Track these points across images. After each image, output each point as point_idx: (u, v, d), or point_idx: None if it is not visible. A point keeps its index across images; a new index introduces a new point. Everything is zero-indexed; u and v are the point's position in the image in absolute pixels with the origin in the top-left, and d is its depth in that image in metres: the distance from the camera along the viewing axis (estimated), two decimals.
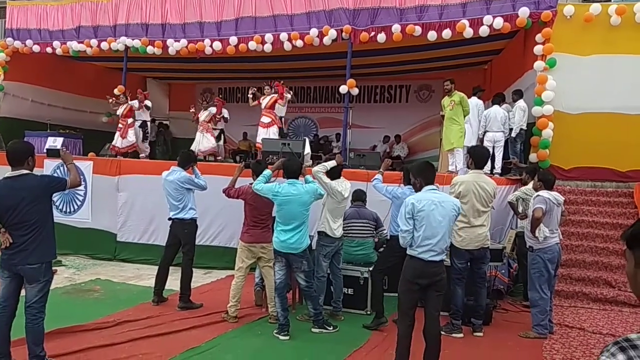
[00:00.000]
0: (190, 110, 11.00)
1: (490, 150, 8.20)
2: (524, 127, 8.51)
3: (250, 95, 10.03)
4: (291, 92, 9.88)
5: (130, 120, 10.71)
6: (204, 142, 10.44)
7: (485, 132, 8.69)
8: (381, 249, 6.41)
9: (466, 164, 6.31)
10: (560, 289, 6.67)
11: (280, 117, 9.78)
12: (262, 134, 9.41)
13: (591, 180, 8.41)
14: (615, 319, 6.11)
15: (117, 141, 10.63)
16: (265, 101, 9.63)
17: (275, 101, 9.56)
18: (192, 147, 10.47)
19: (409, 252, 4.16)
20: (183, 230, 6.07)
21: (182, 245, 6.12)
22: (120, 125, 10.66)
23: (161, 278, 6.21)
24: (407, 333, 4.17)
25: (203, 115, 10.61)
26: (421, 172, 4.27)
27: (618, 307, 6.48)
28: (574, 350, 5.10)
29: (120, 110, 10.67)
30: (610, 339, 5.33)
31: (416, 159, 13.20)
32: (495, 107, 8.72)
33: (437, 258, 4.12)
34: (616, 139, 8.21)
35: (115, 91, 10.86)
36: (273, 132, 9.41)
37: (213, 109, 10.84)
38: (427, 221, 4.05)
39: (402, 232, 4.08)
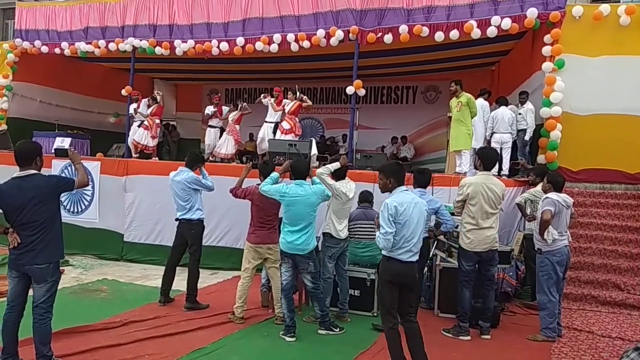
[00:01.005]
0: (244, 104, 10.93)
1: (498, 152, 8.16)
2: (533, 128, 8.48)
3: (268, 101, 10.06)
4: (306, 99, 9.90)
5: (157, 121, 10.71)
6: (226, 145, 10.35)
7: (492, 133, 8.65)
8: None
9: (474, 165, 6.27)
10: (569, 292, 6.62)
11: (276, 122, 9.91)
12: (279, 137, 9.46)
13: (600, 182, 8.33)
14: (624, 323, 6.05)
15: (142, 138, 10.48)
16: (289, 106, 9.64)
17: (299, 107, 9.58)
18: (214, 148, 10.48)
19: (387, 253, 4.16)
20: (190, 231, 6.08)
21: (188, 245, 6.13)
22: (147, 123, 10.55)
23: (168, 278, 6.22)
24: (395, 331, 4.19)
25: (232, 115, 10.56)
26: (394, 173, 4.27)
27: (627, 310, 6.43)
28: (582, 353, 5.06)
29: (149, 110, 10.63)
30: (619, 343, 5.30)
31: (423, 160, 13.17)
32: (503, 108, 8.67)
33: (414, 258, 4.19)
34: (625, 141, 8.14)
35: (123, 92, 10.89)
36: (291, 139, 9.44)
37: (210, 108, 10.88)
38: (408, 223, 4.09)
39: (386, 234, 4.04)
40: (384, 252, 4.19)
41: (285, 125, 9.56)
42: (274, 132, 9.84)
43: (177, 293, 6.33)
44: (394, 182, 4.23)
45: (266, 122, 10.16)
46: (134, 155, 10.47)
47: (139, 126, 10.66)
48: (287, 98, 9.88)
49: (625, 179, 8.29)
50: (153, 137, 10.55)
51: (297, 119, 9.71)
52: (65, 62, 12.13)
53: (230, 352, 4.77)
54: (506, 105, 8.76)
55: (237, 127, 10.54)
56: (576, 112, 8.27)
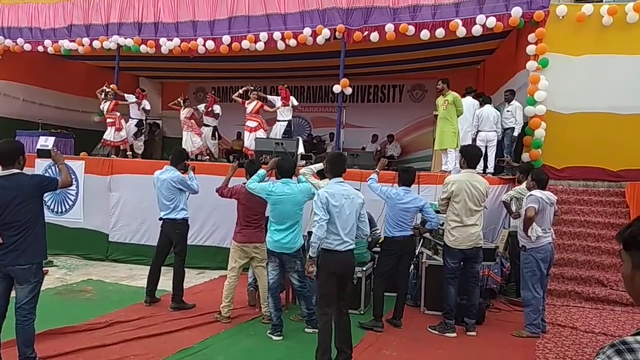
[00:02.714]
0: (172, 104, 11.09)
1: (483, 150, 8.22)
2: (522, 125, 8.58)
3: (240, 92, 10.10)
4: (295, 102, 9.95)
5: (118, 114, 10.67)
6: (190, 141, 10.38)
7: (477, 131, 8.71)
8: (374, 249, 6.42)
9: (459, 163, 6.32)
10: (553, 288, 6.70)
11: (289, 120, 9.88)
12: (249, 138, 9.47)
13: (583, 180, 8.44)
14: (607, 318, 6.14)
15: (110, 135, 10.53)
16: (251, 106, 9.66)
17: (261, 107, 9.60)
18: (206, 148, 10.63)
19: (325, 245, 4.26)
20: (174, 231, 6.03)
21: (173, 245, 6.09)
22: (110, 120, 10.57)
23: (153, 278, 6.18)
24: (329, 325, 4.28)
25: (184, 113, 10.55)
26: (331, 162, 4.45)
27: (610, 306, 6.52)
28: (566, 349, 5.12)
29: (105, 106, 10.61)
30: (602, 338, 5.37)
31: (409, 159, 13.24)
32: (488, 106, 8.74)
33: (351, 247, 4.34)
34: (608, 139, 8.26)
35: (105, 88, 10.82)
36: (261, 136, 9.48)
37: (201, 106, 10.94)
38: (340, 215, 4.22)
39: (320, 220, 4.17)
40: (323, 245, 4.27)
41: (251, 123, 9.61)
42: (286, 131, 9.84)
43: (163, 293, 6.28)
44: (328, 170, 4.42)
45: (278, 121, 10.09)
46: (113, 155, 10.42)
47: (135, 125, 10.88)
48: (249, 97, 9.88)
49: (607, 176, 8.41)
50: (118, 130, 10.53)
51: (260, 116, 9.75)
52: (49, 60, 11.99)
53: (216, 352, 4.76)
54: (490, 103, 8.83)
55: (192, 122, 10.58)
56: (560, 110, 8.37)
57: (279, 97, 9.99)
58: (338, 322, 4.32)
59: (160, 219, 6.09)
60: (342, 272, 4.30)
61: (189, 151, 10.25)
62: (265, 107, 9.72)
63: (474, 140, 8.70)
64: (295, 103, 9.91)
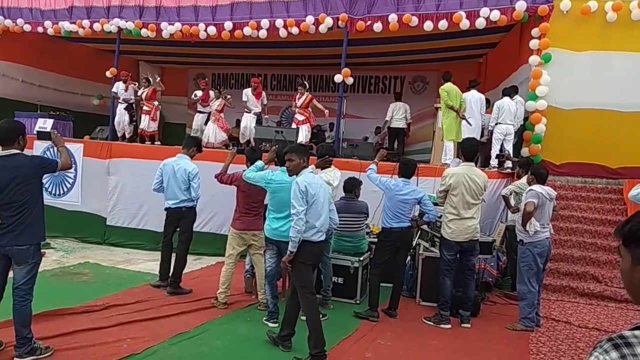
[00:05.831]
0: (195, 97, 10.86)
1: (499, 143, 8.16)
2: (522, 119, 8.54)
3: (247, 94, 9.98)
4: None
5: (156, 103, 10.59)
6: (214, 134, 10.22)
7: (497, 123, 8.30)
8: (371, 239, 6.43)
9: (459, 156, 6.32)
10: (548, 283, 6.73)
11: (259, 113, 9.95)
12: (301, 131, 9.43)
13: (582, 176, 8.45)
14: (601, 314, 6.19)
15: (145, 124, 10.45)
16: (300, 100, 9.55)
17: (311, 100, 9.52)
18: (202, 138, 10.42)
19: (302, 236, 4.27)
20: (184, 218, 6.05)
21: (180, 232, 6.09)
22: (146, 109, 10.44)
23: (166, 265, 6.19)
24: (317, 305, 4.47)
25: (215, 104, 10.45)
26: (305, 153, 4.52)
27: (604, 302, 6.57)
28: (559, 343, 5.16)
29: (143, 93, 10.49)
30: (596, 333, 5.41)
31: (409, 151, 13.20)
32: (507, 98, 8.40)
33: (323, 238, 4.41)
34: (608, 136, 8.27)
35: (107, 73, 10.74)
36: (306, 130, 9.42)
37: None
38: (316, 203, 4.27)
39: (298, 213, 4.17)
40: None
41: (299, 117, 9.49)
42: (259, 122, 9.80)
43: (156, 277, 6.29)
44: (307, 161, 4.46)
45: (246, 112, 10.07)
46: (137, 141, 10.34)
47: (125, 108, 10.56)
48: (298, 91, 9.76)
49: (606, 173, 8.42)
50: (153, 120, 10.45)
51: (310, 110, 9.64)
52: (49, 41, 11.90)
53: (213, 337, 4.78)
54: (510, 96, 8.51)
55: (222, 115, 10.46)
56: (561, 106, 8.35)
57: (250, 89, 9.96)
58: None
59: (167, 208, 6.06)
60: (315, 263, 4.40)
61: (211, 144, 10.20)
62: (315, 101, 9.63)
63: (491, 133, 8.53)
64: (265, 102, 10.05)
